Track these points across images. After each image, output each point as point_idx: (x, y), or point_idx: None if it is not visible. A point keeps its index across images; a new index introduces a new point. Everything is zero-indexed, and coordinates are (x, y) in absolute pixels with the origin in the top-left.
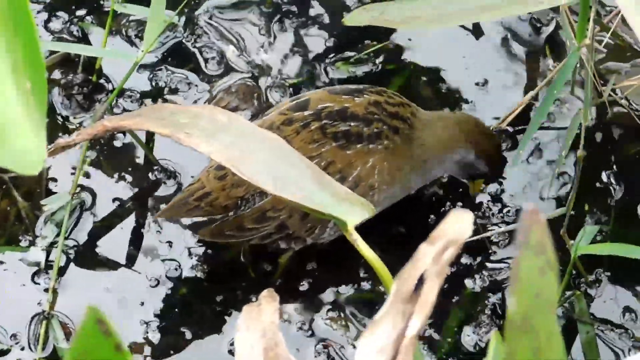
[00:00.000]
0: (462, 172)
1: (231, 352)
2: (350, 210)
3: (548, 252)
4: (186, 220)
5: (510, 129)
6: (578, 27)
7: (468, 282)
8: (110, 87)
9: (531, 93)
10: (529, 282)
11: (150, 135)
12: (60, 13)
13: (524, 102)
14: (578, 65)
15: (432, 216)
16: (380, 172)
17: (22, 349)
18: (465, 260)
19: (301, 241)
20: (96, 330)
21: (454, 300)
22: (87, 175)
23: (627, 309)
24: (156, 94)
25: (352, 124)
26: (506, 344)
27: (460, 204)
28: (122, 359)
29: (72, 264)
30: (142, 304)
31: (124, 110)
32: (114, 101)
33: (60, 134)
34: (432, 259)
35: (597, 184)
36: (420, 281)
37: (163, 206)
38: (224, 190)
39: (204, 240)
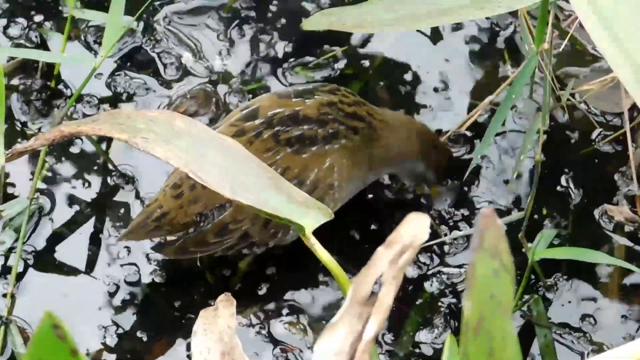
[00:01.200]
0: (410, 178)
1: (190, 357)
2: (308, 215)
3: (503, 254)
4: (148, 242)
5: (468, 133)
6: (537, 31)
7: (425, 286)
8: (68, 92)
9: (490, 97)
10: (484, 285)
11: (109, 141)
12: (19, 19)
13: (483, 107)
14: (536, 69)
15: (391, 220)
16: (340, 170)
17: None
18: (422, 263)
19: (264, 246)
20: (52, 335)
21: (410, 303)
22: (45, 180)
23: (585, 314)
24: (115, 99)
25: (305, 127)
26: (461, 345)
27: (419, 208)
28: None
29: (30, 269)
30: (100, 308)
31: (83, 115)
32: (73, 107)
33: (19, 140)
34: (388, 262)
35: (556, 188)
36: (377, 285)
37: (122, 209)
38: (182, 208)
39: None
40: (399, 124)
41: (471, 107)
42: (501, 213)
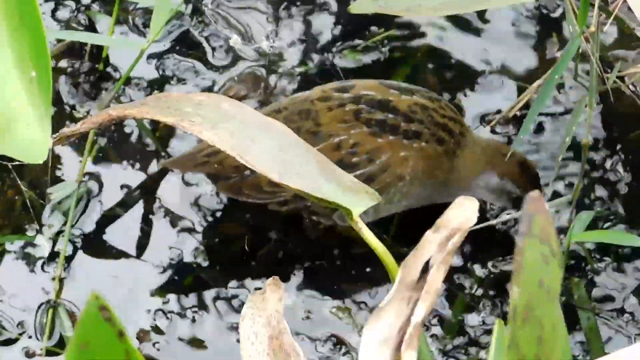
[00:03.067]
0: (495, 198)
1: (238, 341)
2: (355, 199)
3: (551, 240)
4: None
5: (518, 114)
6: (580, 12)
7: (472, 270)
8: (117, 75)
9: (538, 81)
10: (532, 271)
11: (157, 124)
12: (67, 2)
13: (532, 90)
14: (581, 52)
15: (440, 204)
16: (415, 167)
17: (29, 337)
18: (469, 247)
19: (325, 218)
20: (99, 317)
21: (458, 287)
22: (94, 163)
23: (634, 295)
24: (163, 82)
25: (390, 115)
26: (510, 334)
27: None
28: (125, 346)
29: (78, 253)
30: (149, 292)
31: (131, 98)
32: (121, 90)
33: (67, 123)
34: (437, 246)
35: (604, 171)
36: (426, 268)
37: (171, 192)
38: None
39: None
40: (476, 143)
41: (520, 90)
42: (548, 197)
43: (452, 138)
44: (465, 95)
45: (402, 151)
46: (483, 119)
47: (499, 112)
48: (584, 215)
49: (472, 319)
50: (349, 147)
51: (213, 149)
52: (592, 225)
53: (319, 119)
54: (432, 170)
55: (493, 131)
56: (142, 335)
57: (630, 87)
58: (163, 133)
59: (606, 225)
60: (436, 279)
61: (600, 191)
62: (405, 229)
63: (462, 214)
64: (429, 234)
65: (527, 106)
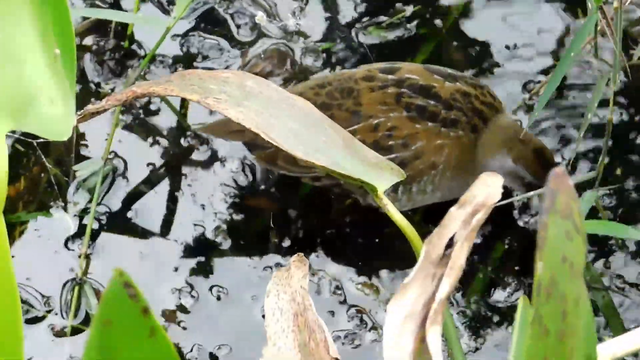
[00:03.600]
0: (508, 181)
1: (264, 317)
2: (380, 176)
3: (575, 216)
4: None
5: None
6: None
7: (496, 245)
8: (142, 53)
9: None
10: (555, 246)
11: (183, 101)
12: None
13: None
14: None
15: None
16: (448, 156)
17: (55, 315)
18: (493, 223)
19: (361, 196)
20: (123, 293)
21: (482, 263)
22: (120, 141)
23: None
24: (188, 60)
25: (431, 102)
26: (534, 308)
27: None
28: (150, 323)
29: (104, 230)
30: (175, 269)
31: (156, 76)
32: (146, 67)
33: (92, 100)
34: (461, 222)
35: (629, 148)
36: (450, 244)
37: (197, 169)
38: None
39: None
40: (507, 127)
41: (544, 67)
42: (573, 174)
43: (485, 124)
44: (491, 73)
45: (438, 139)
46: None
47: (527, 88)
48: (588, 195)
49: (498, 295)
50: (386, 130)
51: None
52: (617, 201)
53: (360, 98)
54: (462, 160)
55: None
56: (167, 314)
57: None
58: (188, 111)
59: (631, 200)
60: (460, 255)
61: (624, 168)
62: (433, 207)
63: (486, 190)
64: (453, 210)
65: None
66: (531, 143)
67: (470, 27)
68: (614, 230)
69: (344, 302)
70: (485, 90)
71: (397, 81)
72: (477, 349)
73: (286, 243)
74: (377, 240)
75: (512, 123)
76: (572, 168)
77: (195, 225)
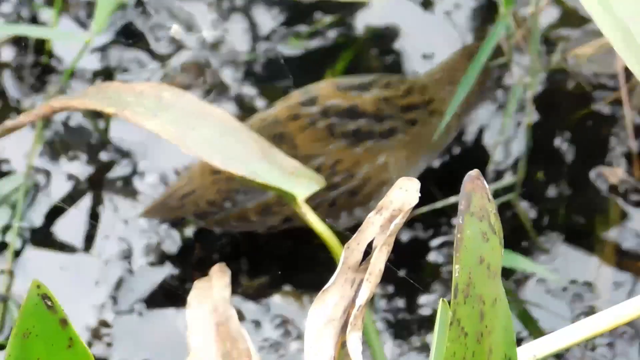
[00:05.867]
0: (481, 95)
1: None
2: (299, 184)
3: (491, 217)
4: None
5: None
6: None
7: (422, 253)
8: (61, 68)
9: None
10: (472, 248)
11: (106, 116)
12: None
13: None
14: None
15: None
16: (395, 166)
17: None
18: (418, 230)
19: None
20: (41, 305)
21: (406, 270)
22: (41, 156)
23: (576, 278)
24: (108, 74)
25: (362, 121)
26: (452, 310)
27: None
28: (69, 334)
29: (27, 246)
30: (97, 283)
31: (76, 90)
32: (66, 82)
33: (12, 116)
34: (379, 227)
35: (550, 151)
36: (369, 250)
37: (119, 184)
38: (215, 184)
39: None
40: (440, 71)
41: None
42: (495, 176)
43: (419, 109)
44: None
45: (379, 157)
46: None
47: None
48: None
49: (423, 299)
50: (329, 169)
51: (183, 190)
52: (541, 205)
53: (294, 141)
54: (413, 152)
55: None
56: (91, 329)
57: (574, 66)
58: (108, 124)
59: (550, 206)
60: (379, 261)
61: (544, 172)
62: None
63: (404, 195)
64: (371, 215)
65: None
66: (464, 50)
67: (388, 36)
68: (511, 262)
69: (268, 311)
70: (394, 80)
71: (323, 112)
72: (400, 354)
73: (207, 255)
74: (301, 248)
75: (439, 68)
76: (495, 173)
77: (119, 239)
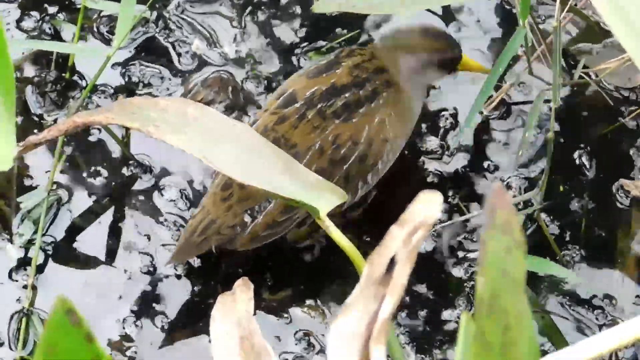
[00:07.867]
0: (433, 71)
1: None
2: (321, 197)
3: (514, 231)
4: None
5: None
6: (521, 5)
7: (445, 265)
8: (83, 83)
9: (511, 80)
10: (496, 261)
11: (126, 131)
12: (32, 12)
13: (505, 89)
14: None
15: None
16: (390, 122)
17: (2, 345)
18: (440, 243)
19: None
20: (66, 320)
21: (429, 283)
22: (63, 171)
23: (601, 291)
24: (129, 89)
25: (347, 94)
26: (475, 323)
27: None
28: (93, 349)
29: (50, 261)
30: (120, 298)
31: (97, 106)
32: (88, 97)
33: (34, 132)
34: (402, 241)
35: (572, 164)
36: (392, 264)
37: (140, 198)
38: (230, 209)
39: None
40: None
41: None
42: (517, 190)
43: (388, 72)
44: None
45: (375, 117)
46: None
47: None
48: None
49: (445, 314)
50: (331, 145)
51: (202, 224)
52: (563, 218)
53: (291, 141)
54: (399, 113)
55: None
56: (113, 343)
57: (596, 80)
58: (131, 140)
59: (572, 219)
60: (401, 275)
61: (567, 185)
62: (374, 225)
63: (426, 208)
64: (393, 229)
65: (504, 102)
66: (416, 29)
67: None
68: (540, 267)
69: (291, 325)
70: (357, 49)
71: (307, 103)
72: None
73: (231, 270)
74: (324, 262)
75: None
76: (517, 187)
77: (140, 253)
